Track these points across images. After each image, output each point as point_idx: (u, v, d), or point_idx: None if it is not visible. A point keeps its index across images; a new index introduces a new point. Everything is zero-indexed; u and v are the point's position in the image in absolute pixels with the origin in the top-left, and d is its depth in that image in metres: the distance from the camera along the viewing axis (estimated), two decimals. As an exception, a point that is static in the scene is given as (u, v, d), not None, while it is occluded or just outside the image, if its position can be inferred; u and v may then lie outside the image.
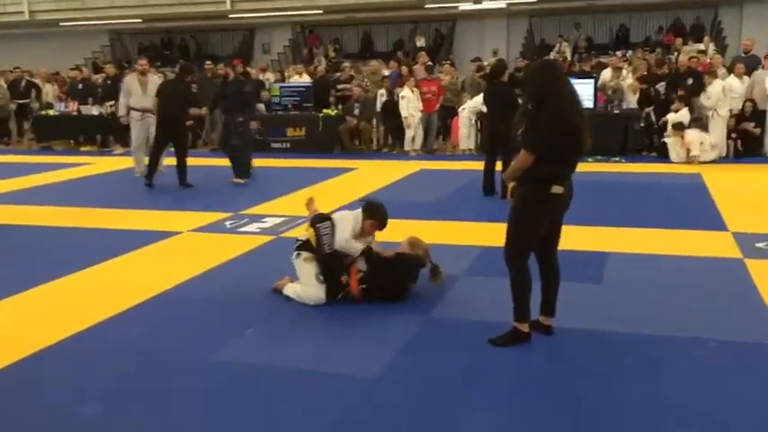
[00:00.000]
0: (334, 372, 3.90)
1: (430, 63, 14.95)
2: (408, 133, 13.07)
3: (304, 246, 5.06)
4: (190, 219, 7.78)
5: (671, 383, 3.68)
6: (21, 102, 16.34)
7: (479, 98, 10.52)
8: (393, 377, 3.84)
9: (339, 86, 14.72)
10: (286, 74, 16.40)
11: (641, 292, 5.05)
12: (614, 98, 12.48)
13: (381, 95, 13.80)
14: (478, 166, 8.98)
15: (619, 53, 17.50)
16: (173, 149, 9.89)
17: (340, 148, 13.51)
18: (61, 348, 4.30)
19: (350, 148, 13.52)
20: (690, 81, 11.88)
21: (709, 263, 5.81)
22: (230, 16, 21.61)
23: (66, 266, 5.90)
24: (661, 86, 12.32)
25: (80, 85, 15.86)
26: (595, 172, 10.01)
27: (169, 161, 10.41)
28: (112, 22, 22.87)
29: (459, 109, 13.05)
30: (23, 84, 16.57)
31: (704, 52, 14.40)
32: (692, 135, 11.09)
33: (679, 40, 17.63)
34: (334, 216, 5.13)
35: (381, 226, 5.13)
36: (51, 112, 15.68)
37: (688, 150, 11.10)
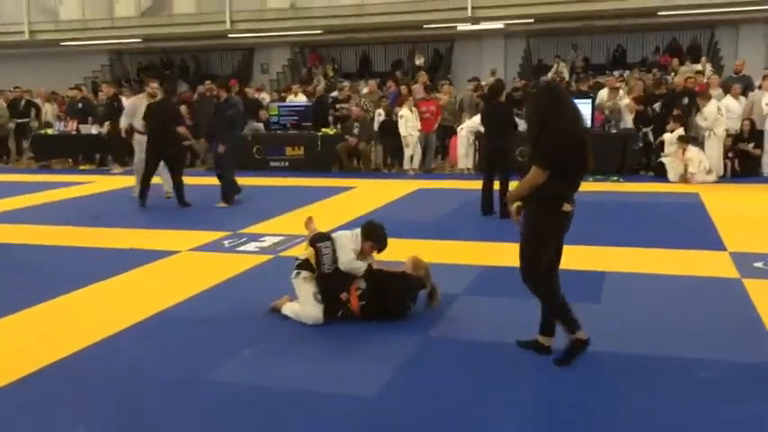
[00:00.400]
0: (333, 391, 3.89)
1: (428, 83, 15.03)
2: (407, 152, 13.12)
3: (303, 265, 5.06)
4: (188, 238, 7.77)
5: (671, 405, 3.67)
6: (20, 121, 16.39)
7: (477, 118, 10.57)
8: (392, 396, 3.83)
9: (338, 106, 14.80)
10: (284, 94, 16.47)
11: (640, 312, 5.05)
12: (612, 118, 12.54)
13: (379, 115, 13.87)
14: (477, 185, 9.00)
15: (616, 73, 17.61)
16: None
17: (338, 168, 13.55)
18: (58, 368, 4.28)
19: (348, 168, 13.56)
20: (686, 101, 11.95)
21: (707, 282, 5.81)
22: (229, 36, 21.74)
23: (64, 286, 5.89)
24: (658, 107, 12.39)
25: (80, 105, 15.92)
26: (594, 191, 10.03)
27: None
28: (112, 42, 23.00)
29: (458, 128, 13.10)
30: (23, 103, 16.64)
31: (701, 72, 14.51)
32: (693, 152, 11.13)
33: (675, 61, 17.76)
34: (334, 236, 5.13)
35: (380, 248, 5.14)
36: (50, 131, 15.73)
37: (686, 167, 11.13)
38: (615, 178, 11.48)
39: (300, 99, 15.54)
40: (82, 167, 15.05)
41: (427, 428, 3.47)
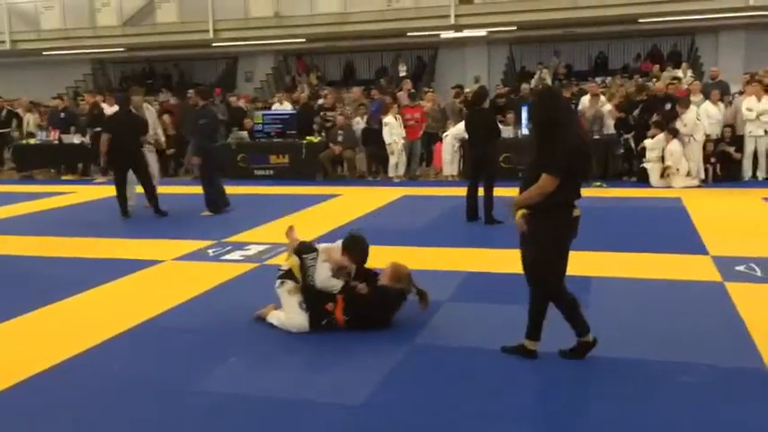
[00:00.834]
0: (320, 400, 3.88)
1: (413, 90, 15.08)
2: (392, 160, 13.13)
3: (286, 275, 5.04)
4: (173, 247, 7.74)
5: (656, 408, 3.69)
6: (1, 131, 16.25)
7: (462, 125, 10.61)
8: (379, 404, 3.82)
9: (324, 114, 14.80)
10: (270, 101, 16.46)
11: (624, 316, 5.08)
12: (594, 124, 12.63)
13: (357, 123, 13.91)
14: (462, 191, 9.03)
15: (598, 80, 17.76)
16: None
17: (323, 176, 13.55)
18: (40, 379, 4.24)
19: (332, 176, 13.56)
20: (668, 106, 12.06)
21: (690, 286, 5.86)
22: (213, 45, 21.71)
23: (47, 296, 5.84)
24: (636, 113, 12.48)
25: (62, 114, 15.81)
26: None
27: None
28: (95, 51, 22.89)
29: (443, 135, 13.14)
30: (4, 113, 16.50)
31: (679, 79, 14.65)
32: (675, 146, 11.21)
33: (656, 67, 17.93)
34: (319, 247, 5.10)
35: (358, 263, 5.07)
36: (32, 141, 15.60)
37: (665, 167, 11.22)
38: (598, 184, 11.55)
39: (286, 107, 15.53)
40: (64, 177, 14.94)
41: (414, 435, 3.47)
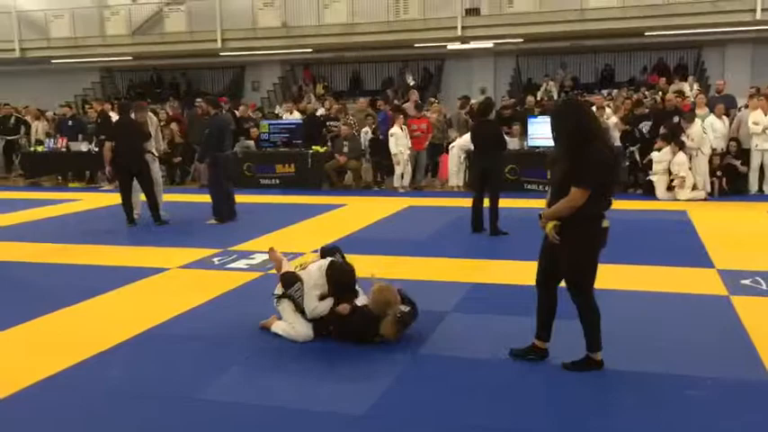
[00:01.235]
0: (323, 409, 3.88)
1: (419, 101, 15.11)
2: (398, 170, 13.15)
3: (284, 295, 5.04)
4: (178, 255, 7.75)
5: (660, 421, 3.67)
6: (9, 138, 16.36)
7: (468, 136, 10.62)
8: (382, 414, 3.82)
9: (328, 124, 14.84)
10: (278, 111, 16.52)
11: (631, 329, 5.06)
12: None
13: (366, 133, 13.96)
14: (467, 203, 9.03)
15: (604, 92, 17.78)
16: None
17: (329, 185, 13.57)
18: (43, 386, 4.25)
19: (338, 185, 13.58)
20: (676, 119, 12.05)
21: (696, 300, 5.84)
22: (221, 54, 21.82)
23: (52, 303, 5.86)
24: (644, 125, 12.47)
25: (69, 122, 15.89)
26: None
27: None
28: (103, 59, 23.03)
29: (450, 146, 13.15)
30: (12, 120, 16.61)
31: (683, 93, 14.64)
32: (682, 158, 11.21)
33: (663, 80, 17.95)
34: (303, 276, 5.00)
35: (339, 296, 4.91)
36: (40, 149, 15.69)
37: (672, 179, 11.22)
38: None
39: (295, 116, 15.55)
40: (71, 185, 15.00)
41: (417, 446, 3.46)
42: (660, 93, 15.63)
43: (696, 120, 11.65)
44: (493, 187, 8.61)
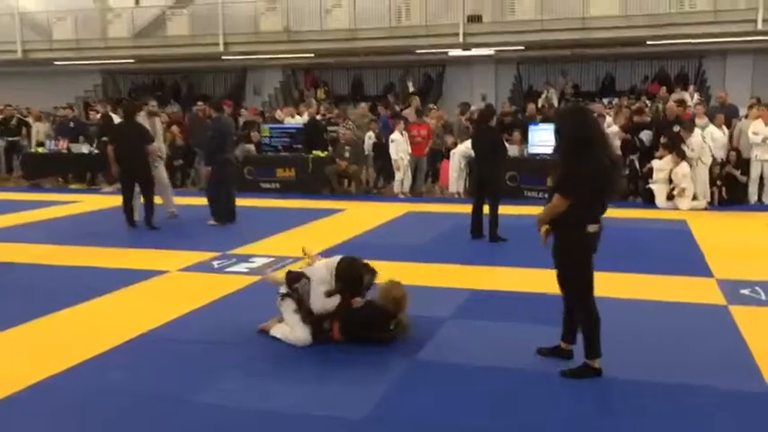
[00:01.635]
0: (321, 413, 3.88)
1: (420, 107, 15.14)
2: (398, 176, 13.17)
3: (286, 295, 5.05)
4: (178, 258, 7.75)
5: (664, 430, 3.68)
6: (11, 139, 16.37)
7: (469, 142, 10.64)
8: (379, 419, 3.82)
9: (330, 128, 14.86)
10: (278, 115, 16.52)
11: (628, 338, 5.06)
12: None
13: (370, 138, 13.99)
14: (467, 209, 9.04)
15: (605, 100, 17.79)
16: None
17: (329, 190, 13.58)
18: (41, 388, 4.24)
19: (338, 190, 13.60)
20: (676, 128, 12.06)
21: (695, 309, 5.84)
22: (223, 58, 21.85)
23: (51, 305, 5.86)
24: (645, 134, 12.48)
25: (71, 124, 15.91)
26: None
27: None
28: (105, 62, 23.06)
29: (451, 153, 13.17)
30: (14, 122, 16.63)
31: (683, 102, 14.63)
32: (685, 168, 11.23)
33: (664, 89, 17.97)
34: (309, 273, 5.03)
35: (351, 293, 4.96)
36: (41, 150, 15.70)
37: (673, 187, 11.23)
38: (604, 204, 11.54)
39: (297, 120, 15.56)
40: (72, 186, 15.01)
41: (414, 452, 3.46)
42: (661, 102, 15.64)
43: (696, 130, 11.66)
44: (493, 194, 8.62)
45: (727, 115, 12.79)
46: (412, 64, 22.28)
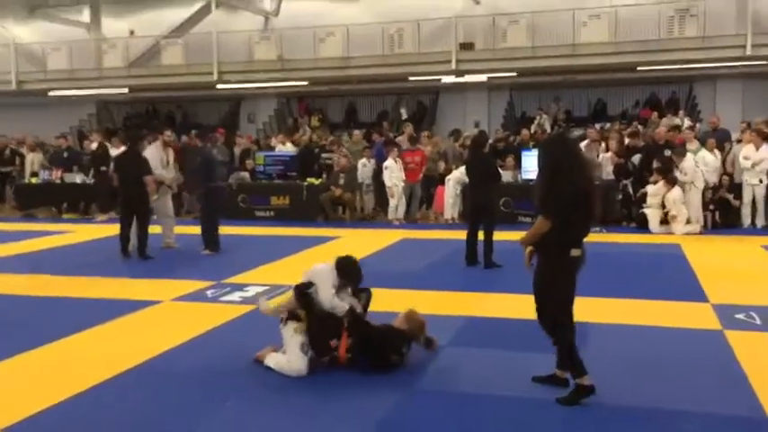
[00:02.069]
0: (315, 445, 3.84)
1: (414, 134, 15.22)
2: (392, 203, 13.20)
3: (290, 316, 5.03)
4: (171, 287, 7.72)
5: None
6: (4, 170, 16.37)
7: (464, 168, 10.68)
8: (375, 451, 3.78)
9: (324, 155, 14.92)
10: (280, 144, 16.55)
11: (624, 364, 5.04)
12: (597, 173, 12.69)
13: (364, 165, 14.02)
14: (461, 235, 9.05)
15: (597, 126, 17.90)
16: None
17: (324, 217, 13.58)
18: (32, 423, 4.17)
19: (333, 217, 13.60)
20: (667, 152, 12.14)
21: (690, 334, 5.83)
22: (217, 87, 21.97)
23: (42, 336, 5.80)
24: (636, 158, 12.56)
25: (65, 154, 15.92)
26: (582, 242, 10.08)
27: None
28: (100, 92, 23.14)
29: (446, 179, 13.22)
30: (8, 152, 16.65)
31: (678, 127, 14.73)
32: (677, 193, 11.27)
33: (655, 114, 18.10)
34: (311, 274, 5.11)
35: (353, 285, 5.16)
36: (34, 180, 15.69)
37: (666, 212, 11.27)
38: (597, 229, 11.57)
39: (288, 148, 15.62)
40: (65, 216, 14.98)
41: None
42: (653, 126, 15.74)
43: (688, 154, 11.73)
44: (487, 220, 8.62)
45: (718, 139, 12.91)
46: (405, 91, 22.42)
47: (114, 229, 10.97)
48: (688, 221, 11.40)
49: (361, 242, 10.85)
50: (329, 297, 4.95)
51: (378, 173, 13.80)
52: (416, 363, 5.01)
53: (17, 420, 4.19)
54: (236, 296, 7.30)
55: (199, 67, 21.29)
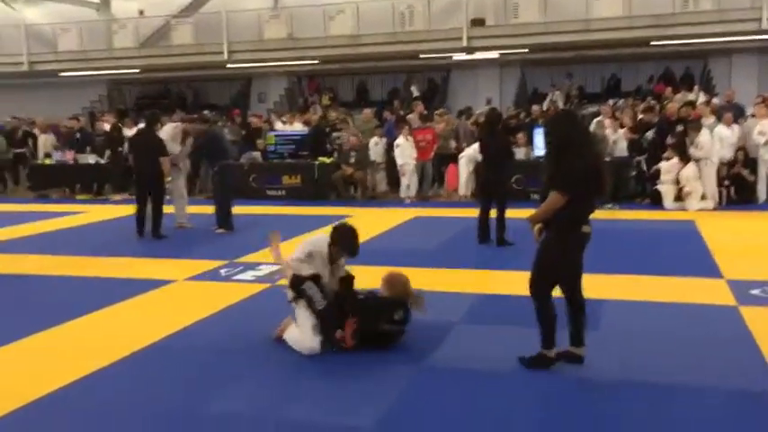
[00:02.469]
0: (331, 421, 3.86)
1: (424, 112, 15.14)
2: (403, 181, 13.16)
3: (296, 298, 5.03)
4: (185, 267, 7.76)
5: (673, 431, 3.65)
6: (18, 151, 16.45)
7: (477, 146, 10.61)
8: (390, 426, 3.80)
9: (334, 134, 14.88)
10: (281, 123, 16.54)
11: (638, 339, 5.03)
12: (605, 149, 12.58)
13: (376, 144, 13.98)
14: (473, 213, 9.02)
15: (611, 101, 17.74)
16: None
17: (335, 196, 13.58)
18: (48, 401, 4.22)
19: (345, 196, 13.60)
20: (680, 128, 12.01)
21: (704, 310, 5.80)
22: (228, 66, 21.93)
23: (58, 316, 5.86)
24: (650, 134, 12.44)
25: (77, 135, 15.97)
26: (590, 219, 10.04)
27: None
28: (111, 72, 23.17)
29: (459, 156, 13.16)
30: (20, 133, 16.71)
31: (692, 103, 14.57)
32: (691, 170, 11.18)
33: (669, 89, 17.92)
34: (307, 243, 5.15)
35: (349, 254, 5.11)
36: (48, 161, 15.76)
37: (679, 186, 11.18)
38: (610, 206, 11.50)
39: (296, 128, 15.60)
40: (79, 197, 15.06)
41: (424, 459, 3.44)
42: (666, 101, 15.58)
43: (704, 129, 11.60)
44: (500, 198, 8.59)
45: (733, 114, 12.73)
46: (416, 69, 22.29)
47: (127, 209, 11.06)
48: (703, 197, 11.31)
49: (373, 221, 10.85)
50: (297, 259, 5.00)
51: (389, 151, 13.75)
52: (429, 340, 5.02)
53: (42, 395, 4.25)
54: (249, 275, 7.33)
55: (209, 46, 21.27)
